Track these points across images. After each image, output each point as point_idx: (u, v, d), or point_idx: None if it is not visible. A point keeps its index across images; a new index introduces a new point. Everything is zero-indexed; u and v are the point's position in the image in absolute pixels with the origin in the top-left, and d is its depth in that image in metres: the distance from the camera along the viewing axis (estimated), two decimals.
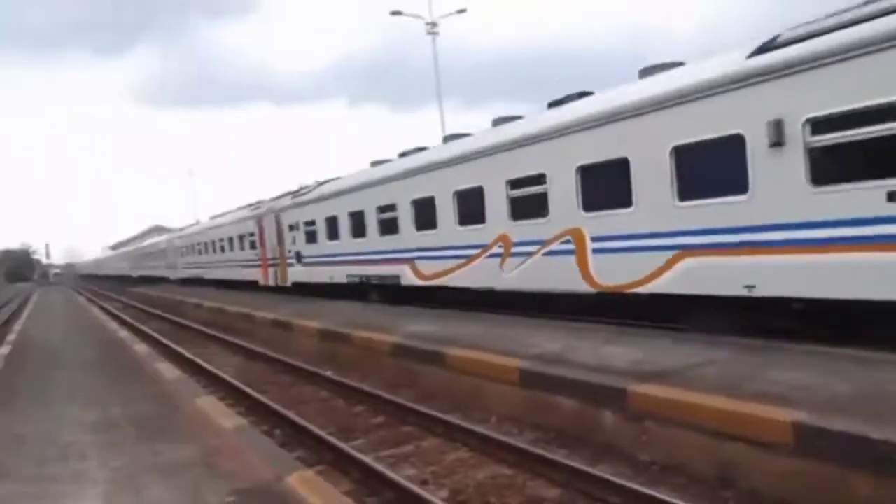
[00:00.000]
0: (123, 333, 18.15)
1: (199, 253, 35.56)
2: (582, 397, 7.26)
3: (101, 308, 34.03)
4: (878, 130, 6.83)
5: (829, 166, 7.40)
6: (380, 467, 6.58)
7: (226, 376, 12.30)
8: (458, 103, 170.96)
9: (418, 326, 12.47)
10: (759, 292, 8.09)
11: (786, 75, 7.64)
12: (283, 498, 4.80)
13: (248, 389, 10.84)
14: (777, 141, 7.70)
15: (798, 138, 7.55)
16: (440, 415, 8.27)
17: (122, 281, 66.20)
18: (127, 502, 4.87)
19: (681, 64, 9.84)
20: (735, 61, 8.27)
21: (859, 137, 7.03)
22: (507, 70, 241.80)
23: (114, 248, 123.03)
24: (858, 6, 7.45)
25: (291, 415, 8.97)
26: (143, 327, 22.29)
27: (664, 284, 9.29)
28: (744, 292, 8.22)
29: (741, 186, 8.17)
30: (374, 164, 18.66)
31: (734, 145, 8.17)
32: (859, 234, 7.04)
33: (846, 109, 7.10)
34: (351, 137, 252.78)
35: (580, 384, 7.29)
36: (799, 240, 7.63)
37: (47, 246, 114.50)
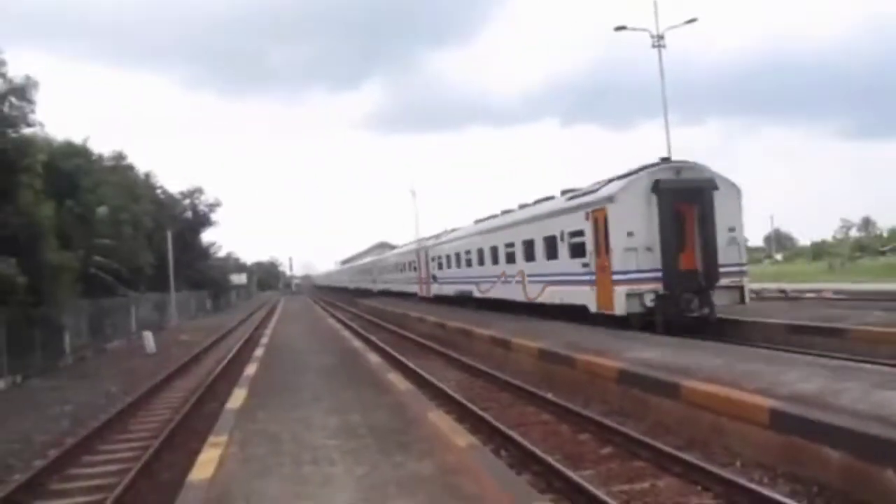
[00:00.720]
0: (357, 343, 19.47)
1: (388, 272, 49.91)
2: (855, 450, 6.23)
3: (334, 317, 37.13)
4: (578, 240, 17.31)
5: (574, 250, 17.59)
6: None
7: (449, 390, 12.58)
8: (675, 119, 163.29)
9: (644, 353, 11.79)
10: (562, 301, 18.48)
11: (566, 213, 18.30)
12: None
13: (471, 406, 10.94)
14: (563, 238, 18.02)
15: (566, 238, 17.90)
16: (677, 452, 7.62)
17: (347, 292, 72.57)
18: None
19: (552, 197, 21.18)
20: (559, 202, 19.41)
21: (576, 241, 17.32)
22: (726, 82, 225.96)
23: (343, 262, 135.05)
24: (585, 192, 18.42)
25: (516, 436, 8.83)
26: (372, 337, 23.82)
27: (543, 298, 19.83)
28: (557, 301, 18.75)
29: (556, 256, 18.75)
30: (477, 221, 29.10)
31: (555, 239, 18.61)
32: (582, 277, 16.99)
33: (573, 230, 17.60)
34: (564, 157, 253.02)
35: (853, 434, 6.27)
36: (569, 280, 17.75)
37: (290, 259, 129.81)
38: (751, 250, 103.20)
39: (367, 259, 66.89)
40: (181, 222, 54.13)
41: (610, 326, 16.02)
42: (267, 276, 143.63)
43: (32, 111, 20.26)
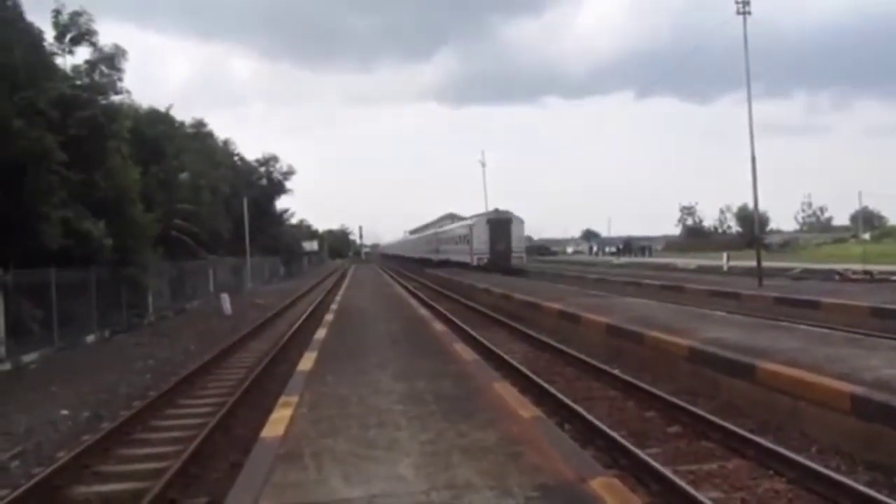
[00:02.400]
0: (423, 312, 19.68)
1: (446, 244, 56.40)
2: None
3: (400, 284, 37.63)
4: (466, 237, 46.20)
5: (464, 241, 47.63)
6: (682, 483, 6.05)
7: (514, 362, 12.58)
8: (761, 91, 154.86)
9: (718, 332, 11.45)
10: (459, 259, 46.85)
11: (462, 227, 50.27)
12: (586, 502, 4.57)
13: (536, 378, 10.92)
14: (462, 237, 47.64)
15: (463, 237, 48.62)
16: (749, 434, 7.39)
17: (412, 261, 74.79)
18: (437, 479, 5.04)
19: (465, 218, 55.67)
20: (465, 223, 50.67)
21: (465, 237, 46.62)
22: (814, 52, 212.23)
23: (411, 232, 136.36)
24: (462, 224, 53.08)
25: (581, 410, 8.77)
26: (438, 306, 24.04)
27: (459, 258, 47.27)
28: (460, 259, 46.54)
29: (463, 243, 46.93)
30: (475, 216, 51.55)
31: (462, 236, 48.42)
32: (466, 251, 45.19)
33: (463, 234, 48.26)
34: (639, 130, 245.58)
35: None
36: (462, 251, 46.67)
37: (360, 228, 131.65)
38: (835, 229, 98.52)
39: (430, 231, 73.24)
40: (257, 189, 55.62)
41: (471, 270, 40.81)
42: (337, 244, 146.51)
43: (120, 79, 21.05)
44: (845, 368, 8.03)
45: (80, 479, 7.48)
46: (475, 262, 42.84)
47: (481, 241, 42.67)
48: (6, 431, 9.59)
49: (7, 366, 14.38)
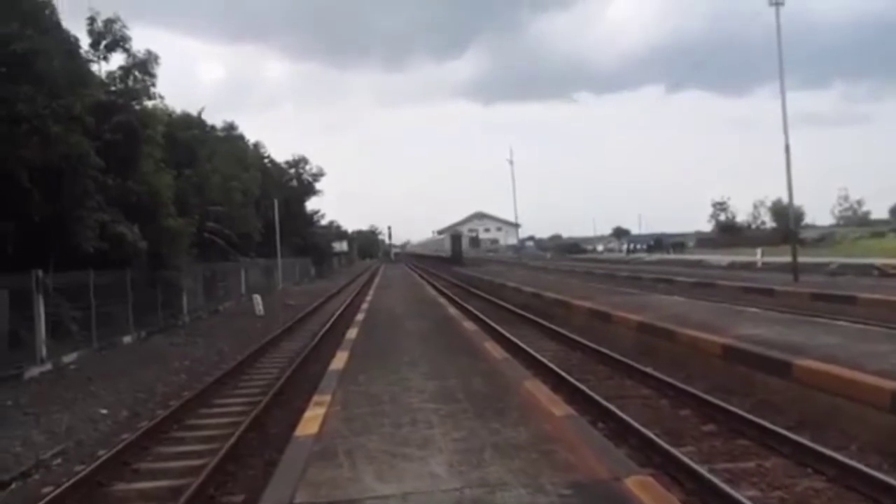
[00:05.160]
0: (453, 311, 19.71)
1: (437, 245, 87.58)
2: None
3: (430, 284, 37.72)
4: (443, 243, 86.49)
5: (443, 245, 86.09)
6: (718, 481, 5.98)
7: (545, 360, 12.54)
8: (796, 82, 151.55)
9: (753, 329, 11.29)
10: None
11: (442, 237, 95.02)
12: (621, 501, 4.55)
13: (568, 377, 10.88)
14: (443, 243, 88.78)
15: (442, 244, 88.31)
16: (786, 432, 7.28)
17: (441, 260, 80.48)
18: (470, 476, 5.05)
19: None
20: (446, 235, 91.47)
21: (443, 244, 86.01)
22: (851, 42, 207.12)
23: (439, 232, 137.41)
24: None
25: (614, 408, 8.71)
26: (468, 305, 24.05)
27: (442, 254, 78.16)
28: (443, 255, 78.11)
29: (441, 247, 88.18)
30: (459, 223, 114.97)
31: (442, 241, 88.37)
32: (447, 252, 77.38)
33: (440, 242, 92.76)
34: (670, 124, 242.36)
35: None
36: (444, 252, 79.30)
37: (389, 228, 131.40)
38: (873, 223, 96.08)
39: (440, 237, 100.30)
40: (287, 191, 56.17)
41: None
42: (367, 245, 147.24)
43: (153, 84, 21.40)
44: (885, 365, 7.86)
45: (121, 476, 7.66)
46: (445, 256, 74.39)
47: (447, 246, 78.49)
48: (48, 430, 9.85)
49: (48, 366, 14.74)
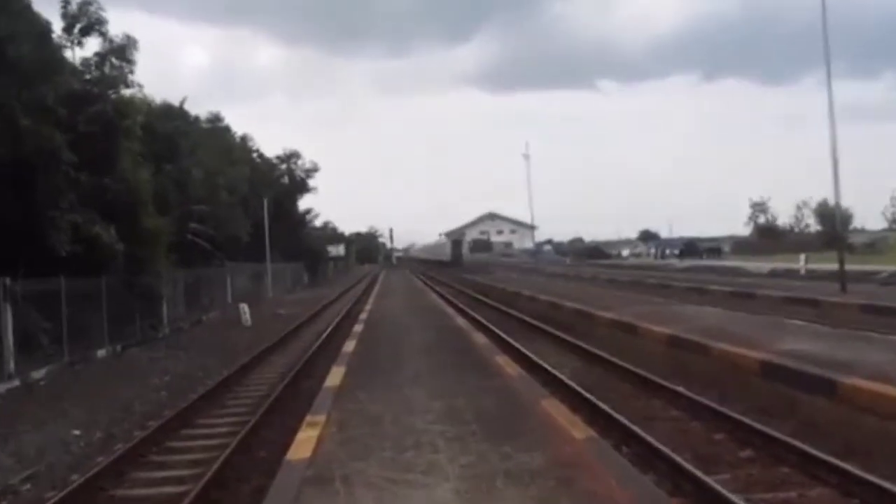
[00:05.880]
0: (461, 321, 19.75)
1: (438, 249, 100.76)
2: None
3: (435, 291, 37.78)
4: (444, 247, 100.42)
5: (444, 248, 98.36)
6: None
7: (564, 377, 12.55)
8: (843, 69, 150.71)
9: (795, 344, 11.27)
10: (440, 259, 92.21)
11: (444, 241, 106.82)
12: None
13: (589, 395, 10.88)
14: (445, 246, 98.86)
15: (443, 247, 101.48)
16: (831, 459, 7.26)
17: (445, 265, 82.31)
18: None
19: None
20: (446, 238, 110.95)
21: (444, 247, 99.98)
22: None
23: (447, 235, 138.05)
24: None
25: (640, 430, 8.71)
26: (478, 315, 24.08)
27: (441, 258, 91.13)
28: (442, 259, 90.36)
29: (443, 250, 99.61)
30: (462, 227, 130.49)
31: (443, 246, 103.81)
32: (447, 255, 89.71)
33: (442, 245, 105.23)
34: (706, 116, 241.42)
35: None
36: (444, 254, 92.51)
37: (390, 230, 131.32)
38: None
39: (443, 240, 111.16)
40: (277, 188, 56.46)
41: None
42: (366, 248, 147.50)
43: (132, 72, 21.59)
44: None
45: None
46: (446, 259, 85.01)
47: (447, 250, 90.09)
48: (17, 453, 9.93)
49: (16, 382, 14.85)
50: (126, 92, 22.00)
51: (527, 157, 65.56)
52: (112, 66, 21.23)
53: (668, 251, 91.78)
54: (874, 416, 7.87)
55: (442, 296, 35.36)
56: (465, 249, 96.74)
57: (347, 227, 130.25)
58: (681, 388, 11.17)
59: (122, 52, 21.22)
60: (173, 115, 31.45)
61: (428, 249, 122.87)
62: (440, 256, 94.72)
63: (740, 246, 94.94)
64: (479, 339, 15.52)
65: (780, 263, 47.58)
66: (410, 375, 10.79)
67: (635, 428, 8.85)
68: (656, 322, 15.57)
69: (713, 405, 9.84)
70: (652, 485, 5.98)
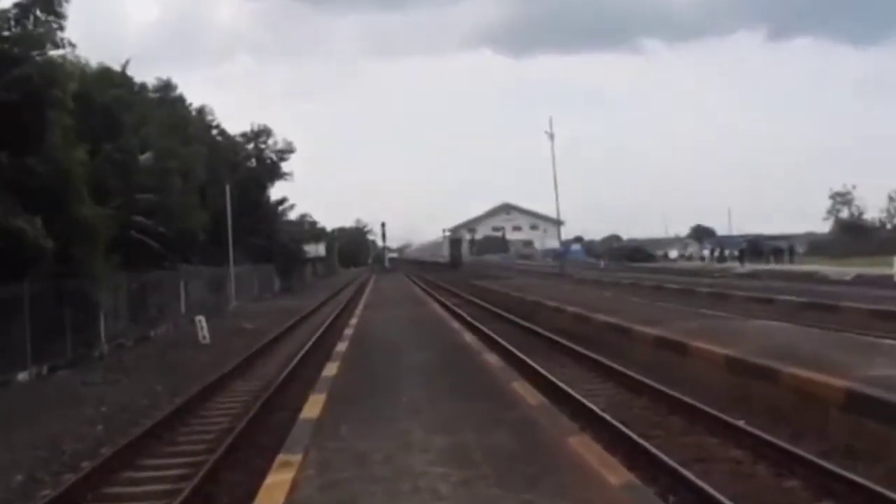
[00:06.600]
0: (468, 337, 19.76)
1: (435, 249, 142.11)
2: None
3: (439, 302, 37.80)
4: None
5: (443, 247, 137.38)
6: None
7: (596, 409, 12.54)
8: None
9: (887, 369, 11.26)
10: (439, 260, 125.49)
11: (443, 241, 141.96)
12: None
13: (628, 431, 10.86)
14: (444, 246, 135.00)
15: (442, 247, 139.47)
16: None
17: (439, 268, 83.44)
18: None
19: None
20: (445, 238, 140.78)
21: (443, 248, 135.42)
22: None
23: (451, 230, 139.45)
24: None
25: (691, 476, 8.70)
26: (489, 331, 24.10)
27: (439, 259, 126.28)
28: (440, 260, 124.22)
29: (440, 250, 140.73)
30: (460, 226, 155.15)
31: (440, 245, 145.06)
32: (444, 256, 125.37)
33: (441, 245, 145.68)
34: (773, 84, 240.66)
35: None
36: (442, 255, 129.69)
37: (383, 226, 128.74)
38: None
39: (441, 240, 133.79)
40: (243, 173, 56.50)
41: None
42: (352, 247, 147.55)
43: (61, 28, 21.51)
44: None
45: None
46: (443, 261, 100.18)
47: (444, 250, 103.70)
48: None
49: None
50: (55, 53, 21.93)
51: (551, 135, 65.68)
52: (37, 20, 21.17)
53: (727, 251, 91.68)
54: None
55: (446, 306, 35.39)
56: (464, 250, 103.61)
57: (329, 220, 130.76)
58: (742, 423, 11.15)
59: (48, 3, 21.17)
60: (114, 81, 31.48)
61: (424, 250, 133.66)
62: (436, 257, 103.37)
63: (817, 245, 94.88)
64: (492, 359, 15.53)
65: (868, 268, 47.48)
66: (406, 404, 10.80)
67: (685, 472, 8.85)
68: (712, 340, 15.54)
69: (783, 444, 9.81)
70: None
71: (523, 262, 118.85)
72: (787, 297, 29.29)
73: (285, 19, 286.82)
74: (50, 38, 21.42)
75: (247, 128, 63.06)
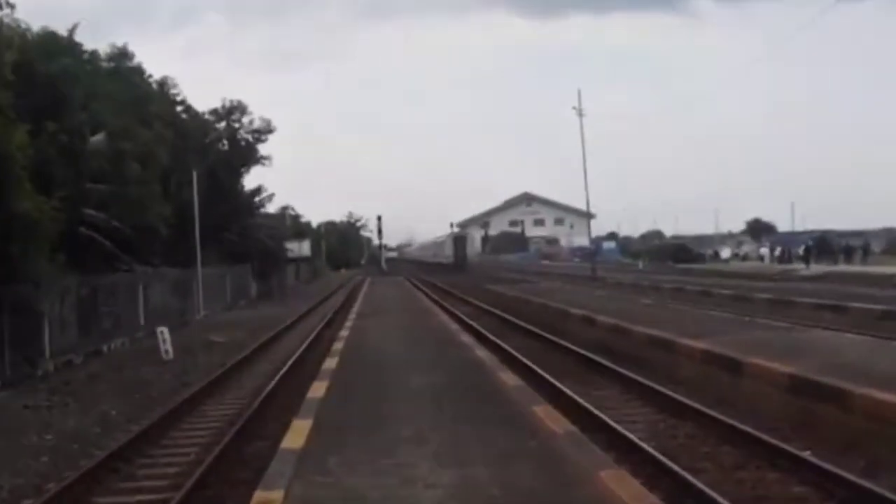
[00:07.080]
0: (481, 353, 19.76)
1: (436, 249, 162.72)
2: None
3: (447, 311, 37.79)
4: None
5: (447, 248, 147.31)
6: None
7: (634, 437, 12.54)
8: None
9: None
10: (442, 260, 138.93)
11: (445, 240, 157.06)
12: None
13: (671, 464, 10.87)
14: (446, 245, 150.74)
15: (443, 246, 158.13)
16: None
17: (433, 266, 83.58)
18: None
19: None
20: (448, 236, 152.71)
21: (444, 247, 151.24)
22: None
23: (461, 225, 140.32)
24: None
25: None
26: (507, 345, 24.11)
27: (443, 260, 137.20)
28: (443, 260, 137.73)
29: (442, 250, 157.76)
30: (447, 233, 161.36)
31: (442, 245, 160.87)
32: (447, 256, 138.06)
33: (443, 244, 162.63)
34: (844, 51, 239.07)
35: None
36: (446, 255, 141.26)
37: (379, 220, 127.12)
38: None
39: (443, 239, 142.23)
40: (213, 156, 56.47)
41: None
42: (342, 245, 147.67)
43: None
44: None
45: None
46: (447, 262, 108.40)
47: (447, 249, 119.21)
48: None
49: None
50: None
51: (579, 112, 65.37)
52: None
53: (791, 250, 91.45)
54: None
55: (454, 315, 35.37)
56: (476, 248, 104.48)
57: (315, 214, 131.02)
58: (807, 454, 11.16)
59: None
60: (59, 49, 31.54)
61: (427, 249, 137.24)
62: (439, 258, 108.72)
63: None
64: (509, 379, 15.51)
65: None
66: (407, 433, 10.79)
67: None
68: (771, 356, 15.53)
69: (855, 479, 9.81)
70: None
71: (546, 262, 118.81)
72: (861, 304, 29.26)
73: None
74: None
75: (217, 104, 62.81)
